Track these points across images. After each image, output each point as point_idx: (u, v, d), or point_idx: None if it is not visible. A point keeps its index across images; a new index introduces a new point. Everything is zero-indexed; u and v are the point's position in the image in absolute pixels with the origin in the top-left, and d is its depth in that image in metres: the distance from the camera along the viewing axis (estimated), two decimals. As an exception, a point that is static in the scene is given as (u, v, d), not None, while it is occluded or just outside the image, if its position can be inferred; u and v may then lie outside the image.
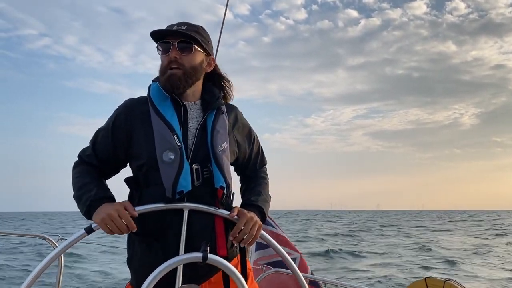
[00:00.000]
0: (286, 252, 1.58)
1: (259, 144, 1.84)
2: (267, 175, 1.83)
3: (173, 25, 1.59)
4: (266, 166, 1.88)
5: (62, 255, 2.26)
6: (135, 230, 1.41)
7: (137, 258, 1.58)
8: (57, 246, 1.60)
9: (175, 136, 1.51)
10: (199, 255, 1.37)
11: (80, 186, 1.52)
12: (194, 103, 1.64)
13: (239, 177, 1.84)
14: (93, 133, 1.65)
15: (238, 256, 1.65)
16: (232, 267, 1.42)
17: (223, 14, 2.80)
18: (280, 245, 1.57)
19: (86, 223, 1.49)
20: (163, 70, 1.58)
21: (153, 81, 1.66)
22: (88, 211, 1.46)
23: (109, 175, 1.66)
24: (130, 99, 1.65)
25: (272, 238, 1.59)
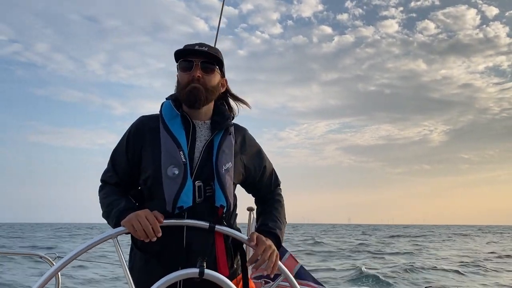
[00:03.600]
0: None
1: (271, 165, 1.84)
2: (282, 197, 1.83)
3: (194, 45, 1.64)
4: (280, 186, 1.87)
5: (59, 273, 2.25)
6: (160, 234, 1.42)
7: (137, 271, 1.60)
8: (54, 264, 1.60)
9: (181, 152, 1.54)
10: (195, 270, 1.37)
11: (109, 204, 1.56)
12: (204, 122, 1.67)
13: (254, 198, 1.84)
14: (110, 154, 1.70)
15: (239, 277, 1.64)
16: (229, 282, 1.42)
17: (217, 25, 2.82)
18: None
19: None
20: (184, 86, 1.60)
21: (166, 98, 1.70)
22: (117, 222, 1.48)
23: (132, 191, 1.70)
24: (143, 116, 1.70)
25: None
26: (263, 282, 3.80)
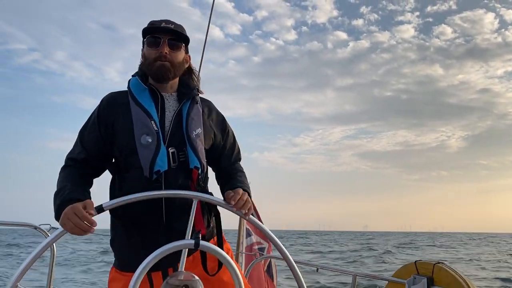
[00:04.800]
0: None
1: (235, 137, 1.92)
2: (243, 170, 1.89)
3: (160, 22, 1.71)
4: (240, 162, 1.93)
5: (54, 244, 2.26)
6: (95, 224, 1.41)
7: (119, 240, 1.66)
8: (49, 235, 1.60)
9: (152, 121, 1.62)
10: (191, 242, 1.38)
11: (60, 188, 1.56)
12: (171, 94, 1.75)
13: (215, 172, 1.88)
14: (78, 133, 1.72)
15: (215, 237, 1.71)
16: (223, 253, 1.44)
17: (206, 32, 2.88)
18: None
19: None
20: (150, 62, 1.68)
21: (132, 76, 1.76)
22: (56, 214, 1.48)
23: (103, 168, 1.72)
24: (111, 93, 1.76)
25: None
26: (257, 255, 3.87)
